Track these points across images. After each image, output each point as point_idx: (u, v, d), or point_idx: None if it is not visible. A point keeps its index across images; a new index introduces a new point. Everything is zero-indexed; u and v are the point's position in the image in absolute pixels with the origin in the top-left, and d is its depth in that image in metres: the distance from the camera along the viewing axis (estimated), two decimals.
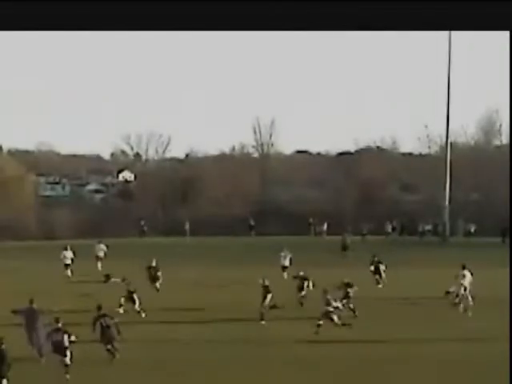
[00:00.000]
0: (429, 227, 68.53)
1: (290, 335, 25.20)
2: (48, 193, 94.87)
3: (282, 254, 39.65)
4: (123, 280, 38.31)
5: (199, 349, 23.54)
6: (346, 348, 23.36)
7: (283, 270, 38.64)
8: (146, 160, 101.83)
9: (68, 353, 20.62)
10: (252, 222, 70.86)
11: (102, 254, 43.48)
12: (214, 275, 41.31)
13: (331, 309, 24.73)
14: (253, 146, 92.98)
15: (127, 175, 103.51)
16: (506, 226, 59.68)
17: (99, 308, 22.56)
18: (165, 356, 22.68)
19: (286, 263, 39.13)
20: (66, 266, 40.75)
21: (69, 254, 41.09)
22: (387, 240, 63.17)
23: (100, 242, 44.31)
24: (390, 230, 66.78)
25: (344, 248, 50.00)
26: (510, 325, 24.14)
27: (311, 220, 70.02)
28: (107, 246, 43.94)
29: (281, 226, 71.08)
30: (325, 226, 68.45)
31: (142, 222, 67.55)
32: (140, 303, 28.85)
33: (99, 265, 42.95)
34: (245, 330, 26.36)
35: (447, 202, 63.42)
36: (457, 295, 30.02)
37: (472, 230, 66.04)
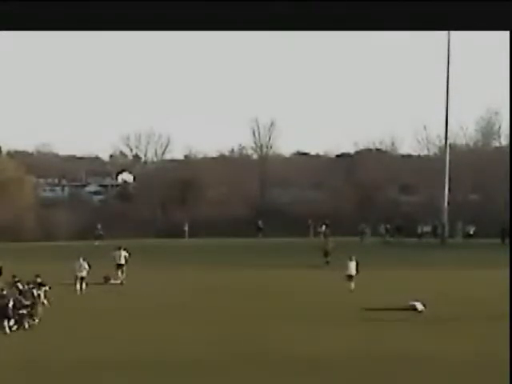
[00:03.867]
0: (428, 229, 68.47)
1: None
2: (47, 194, 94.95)
3: (350, 262, 35.24)
4: (121, 283, 38.51)
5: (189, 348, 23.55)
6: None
7: (349, 280, 34.91)
8: (145, 161, 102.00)
9: None
10: (260, 224, 70.65)
11: (123, 261, 38.23)
12: (209, 277, 41.25)
13: None
14: (252, 148, 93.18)
15: (126, 177, 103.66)
16: (506, 227, 59.63)
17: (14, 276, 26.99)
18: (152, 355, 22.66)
19: (353, 272, 35.01)
20: (81, 278, 35.15)
21: (85, 264, 35.51)
22: (384, 242, 63.10)
23: (120, 248, 38.79)
24: (384, 231, 66.51)
25: (325, 254, 46.16)
26: (510, 325, 24.14)
27: (310, 221, 69.92)
28: (129, 253, 38.95)
29: (280, 228, 71.11)
30: (323, 228, 68.39)
31: (99, 226, 66.63)
32: None
33: (119, 273, 38.12)
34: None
35: (446, 204, 63.38)
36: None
37: (471, 232, 65.97)
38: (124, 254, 38.45)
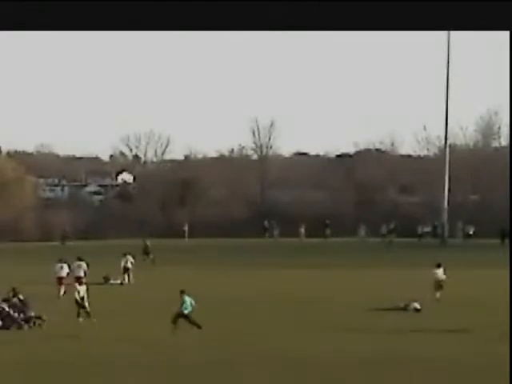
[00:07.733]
0: (428, 229, 68.53)
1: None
2: (47, 194, 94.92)
3: (437, 269, 33.06)
4: (121, 283, 38.51)
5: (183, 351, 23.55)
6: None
7: (438, 289, 32.54)
8: (145, 162, 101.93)
9: None
10: (266, 224, 70.69)
11: (130, 265, 39.38)
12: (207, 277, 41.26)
13: None
14: (252, 148, 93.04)
15: (126, 177, 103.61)
16: (505, 228, 59.69)
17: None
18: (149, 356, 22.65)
19: (441, 278, 32.78)
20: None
21: (64, 267, 34.79)
22: (384, 242, 63.05)
23: (126, 254, 39.71)
24: (385, 231, 66.47)
25: (145, 252, 48.16)
26: (510, 325, 24.14)
27: (266, 223, 70.20)
28: (134, 258, 40.13)
29: (280, 228, 71.02)
30: (302, 229, 68.23)
31: (67, 228, 66.99)
32: None
33: (126, 277, 39.11)
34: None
35: (446, 204, 63.42)
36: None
37: (471, 232, 66.00)
38: (130, 258, 39.50)
